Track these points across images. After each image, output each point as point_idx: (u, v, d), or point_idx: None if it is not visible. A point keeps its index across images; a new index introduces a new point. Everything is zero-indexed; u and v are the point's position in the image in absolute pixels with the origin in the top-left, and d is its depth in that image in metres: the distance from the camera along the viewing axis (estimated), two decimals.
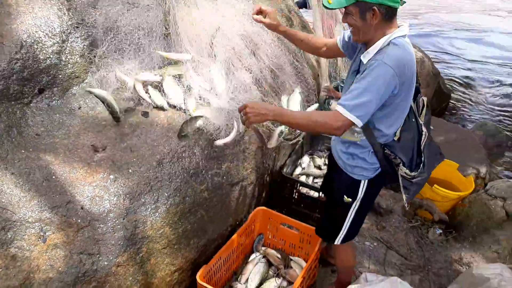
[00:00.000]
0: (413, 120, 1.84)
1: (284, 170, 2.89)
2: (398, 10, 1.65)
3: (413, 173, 1.81)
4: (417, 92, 1.85)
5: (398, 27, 1.67)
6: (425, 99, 1.90)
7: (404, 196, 1.88)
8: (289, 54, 2.99)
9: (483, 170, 3.73)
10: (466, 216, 2.93)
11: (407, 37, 1.70)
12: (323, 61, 3.57)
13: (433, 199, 2.98)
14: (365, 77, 1.59)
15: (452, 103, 6.07)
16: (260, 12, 2.02)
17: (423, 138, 1.84)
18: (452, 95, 6.11)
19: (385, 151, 1.81)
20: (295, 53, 3.09)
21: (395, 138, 1.80)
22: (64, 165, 1.87)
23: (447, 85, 6.09)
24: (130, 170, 1.92)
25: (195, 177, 2.06)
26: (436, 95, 5.30)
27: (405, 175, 1.82)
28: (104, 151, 1.99)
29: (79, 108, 2.15)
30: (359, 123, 1.61)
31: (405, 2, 1.64)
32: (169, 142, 2.08)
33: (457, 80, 6.87)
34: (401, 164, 1.81)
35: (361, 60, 1.73)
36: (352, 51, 1.93)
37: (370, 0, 1.55)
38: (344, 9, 1.69)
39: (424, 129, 1.85)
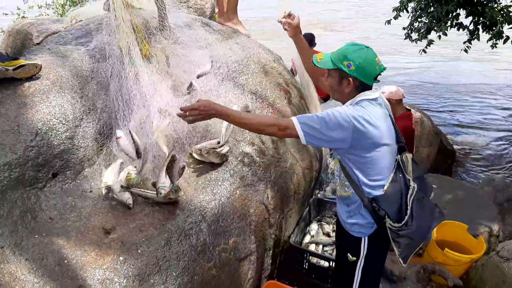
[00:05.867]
0: (400, 175, 1.94)
1: (293, 239, 2.89)
2: None
3: (397, 224, 1.86)
4: (402, 149, 1.99)
5: None
6: (409, 155, 2.02)
7: (396, 251, 1.88)
8: None
9: (495, 227, 3.67)
10: (480, 279, 2.85)
11: (379, 100, 1.90)
12: None
13: (445, 263, 2.93)
14: (328, 111, 1.79)
15: (458, 159, 6.11)
16: (288, 16, 2.24)
17: (410, 192, 1.91)
18: (457, 151, 6.16)
19: (373, 204, 1.89)
20: None
21: (383, 193, 1.89)
22: (75, 249, 1.91)
23: (451, 142, 6.17)
24: (139, 251, 1.95)
25: (203, 254, 2.08)
26: (440, 153, 5.35)
27: (390, 226, 1.87)
28: (114, 232, 2.05)
29: (90, 191, 2.23)
30: (302, 139, 1.79)
31: (379, 81, 1.90)
32: (177, 220, 2.13)
33: (461, 135, 6.98)
34: (386, 216, 1.87)
35: None
36: None
37: (348, 71, 1.82)
38: (327, 70, 1.93)
39: (412, 183, 1.94)
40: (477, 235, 3.36)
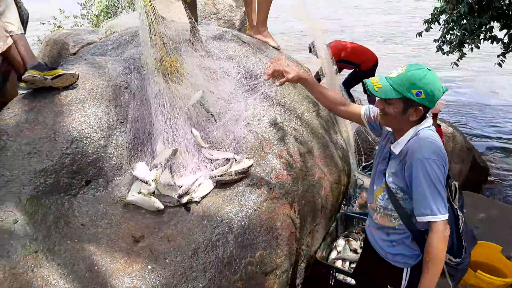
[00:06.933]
0: (448, 205, 1.83)
1: (319, 254, 2.85)
2: None
3: (457, 260, 1.79)
4: (448, 177, 1.88)
5: None
6: (456, 183, 1.93)
7: (451, 284, 1.83)
8: (318, 139, 3.10)
9: None
10: None
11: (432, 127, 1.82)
12: (352, 141, 3.67)
13: (477, 285, 2.82)
14: (421, 179, 1.68)
15: (491, 177, 5.90)
16: (276, 75, 2.15)
17: (460, 223, 1.84)
18: (490, 168, 5.96)
19: (425, 237, 1.79)
20: (324, 136, 3.20)
21: None
22: (106, 256, 1.95)
23: (484, 158, 5.98)
24: (167, 260, 1.97)
25: (229, 266, 2.08)
26: (473, 169, 5.19)
27: (449, 262, 1.80)
28: (143, 241, 2.08)
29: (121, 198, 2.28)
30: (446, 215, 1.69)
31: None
32: (204, 231, 2.14)
33: (494, 152, 6.75)
34: None
35: (390, 149, 1.84)
36: (375, 127, 2.08)
37: (417, 100, 1.70)
38: (382, 99, 1.79)
39: (459, 213, 1.87)
40: (511, 257, 3.23)
